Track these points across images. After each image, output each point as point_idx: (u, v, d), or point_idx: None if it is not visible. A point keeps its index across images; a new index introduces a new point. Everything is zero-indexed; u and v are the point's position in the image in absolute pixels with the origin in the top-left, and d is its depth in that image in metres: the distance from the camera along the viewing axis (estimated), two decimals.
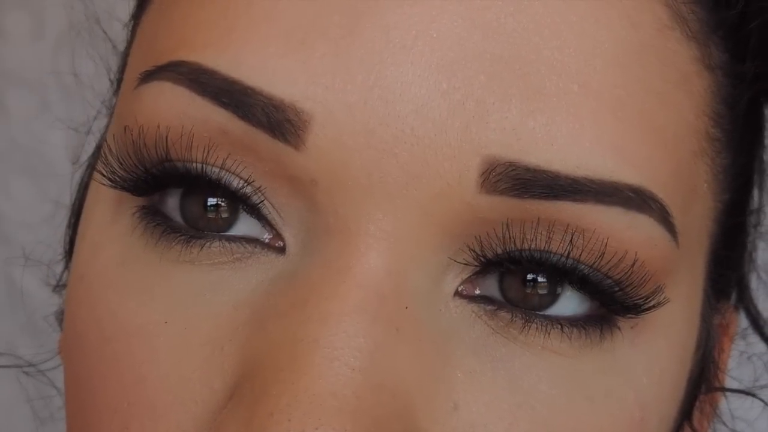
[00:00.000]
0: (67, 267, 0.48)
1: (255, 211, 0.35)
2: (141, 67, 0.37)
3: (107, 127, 0.45)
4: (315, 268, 0.34)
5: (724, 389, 0.46)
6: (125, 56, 0.46)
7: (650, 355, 0.37)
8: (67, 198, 0.61)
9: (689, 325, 0.39)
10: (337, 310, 0.33)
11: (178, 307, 0.35)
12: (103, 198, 0.38)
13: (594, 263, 0.34)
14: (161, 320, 0.35)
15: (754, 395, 0.49)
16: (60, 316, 0.50)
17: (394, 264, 0.34)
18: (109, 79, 0.51)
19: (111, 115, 0.46)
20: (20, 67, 0.70)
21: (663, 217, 0.35)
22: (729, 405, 0.49)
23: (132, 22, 0.45)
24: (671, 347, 0.38)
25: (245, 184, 0.35)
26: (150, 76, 0.36)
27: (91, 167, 0.46)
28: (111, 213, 0.38)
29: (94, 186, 0.40)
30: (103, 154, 0.37)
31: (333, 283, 0.33)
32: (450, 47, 0.34)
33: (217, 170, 0.35)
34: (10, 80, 0.72)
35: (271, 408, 0.32)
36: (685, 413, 0.41)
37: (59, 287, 0.50)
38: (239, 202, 0.35)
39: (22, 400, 0.76)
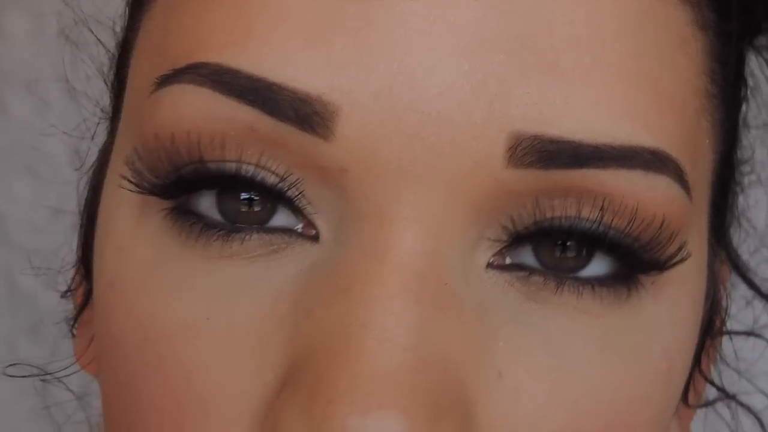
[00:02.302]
0: (85, 274, 0.47)
1: (289, 204, 0.36)
2: (154, 71, 0.37)
3: (111, 132, 0.45)
4: (352, 254, 0.35)
5: (729, 332, 0.48)
6: (120, 59, 0.46)
7: (671, 308, 0.38)
8: (67, 198, 0.61)
9: (700, 274, 0.40)
10: (382, 293, 0.34)
11: (219, 302, 0.36)
12: (125, 203, 0.39)
13: (625, 228, 0.36)
14: (203, 317, 0.36)
15: (758, 335, 0.52)
16: (71, 322, 0.49)
17: (430, 244, 0.35)
18: (104, 81, 0.51)
19: (113, 119, 0.46)
20: (20, 67, 0.70)
21: (678, 175, 0.37)
22: (733, 346, 0.51)
23: (127, 23, 0.45)
24: (688, 298, 0.39)
25: (280, 180, 0.36)
26: (168, 79, 0.36)
27: (97, 172, 0.46)
28: (136, 217, 0.38)
29: (111, 191, 0.40)
30: (129, 162, 0.37)
31: (374, 268, 0.34)
32: (467, 30, 0.35)
33: (252, 168, 0.36)
34: (10, 80, 0.72)
35: (330, 394, 0.32)
36: (697, 359, 0.43)
37: (69, 293, 0.50)
38: (275, 196, 0.36)
39: (21, 400, 0.76)
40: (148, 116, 0.37)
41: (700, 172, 0.39)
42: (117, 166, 0.39)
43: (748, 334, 0.52)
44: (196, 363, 0.35)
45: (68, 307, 0.57)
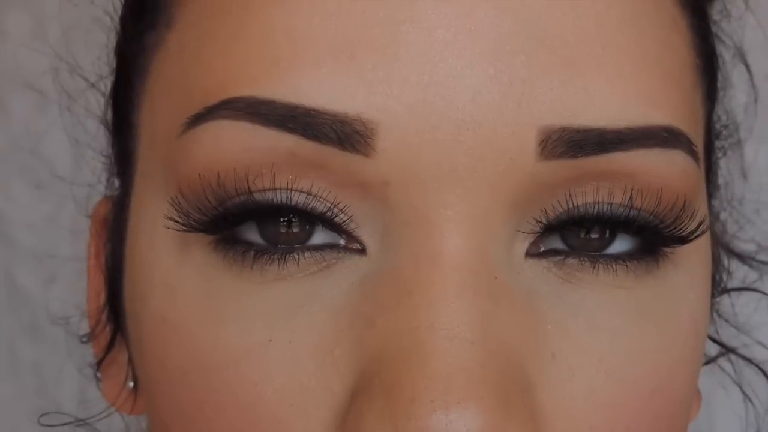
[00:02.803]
0: (116, 325, 0.48)
1: (333, 225, 0.37)
2: (180, 111, 0.38)
3: (124, 179, 0.45)
4: (404, 260, 0.36)
5: (729, 289, 0.52)
6: (120, 103, 0.46)
7: (690, 272, 0.40)
8: (67, 198, 0.61)
9: (707, 238, 0.42)
10: (442, 293, 0.35)
11: (278, 323, 0.37)
12: (164, 241, 0.39)
13: (654, 210, 0.38)
14: (265, 340, 0.37)
15: (755, 290, 0.55)
16: (97, 367, 0.49)
17: (476, 241, 0.36)
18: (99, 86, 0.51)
19: (122, 164, 0.46)
20: (20, 67, 0.70)
21: (690, 148, 0.39)
22: (731, 302, 0.55)
23: (121, 68, 0.46)
24: (702, 261, 0.41)
25: (330, 206, 0.37)
26: (201, 117, 0.37)
27: (116, 221, 0.46)
28: (179, 253, 0.39)
29: (146, 231, 0.41)
30: (174, 203, 0.38)
31: (430, 270, 0.36)
32: (488, 36, 0.36)
33: (303, 196, 0.37)
34: (10, 80, 0.72)
35: (411, 394, 0.34)
36: None
37: (89, 336, 0.51)
38: (317, 220, 0.37)
39: (22, 400, 0.76)
40: (185, 156, 0.38)
41: (700, 141, 0.42)
42: (150, 207, 0.40)
43: (744, 289, 0.55)
44: (264, 383, 0.36)
45: (68, 307, 0.57)
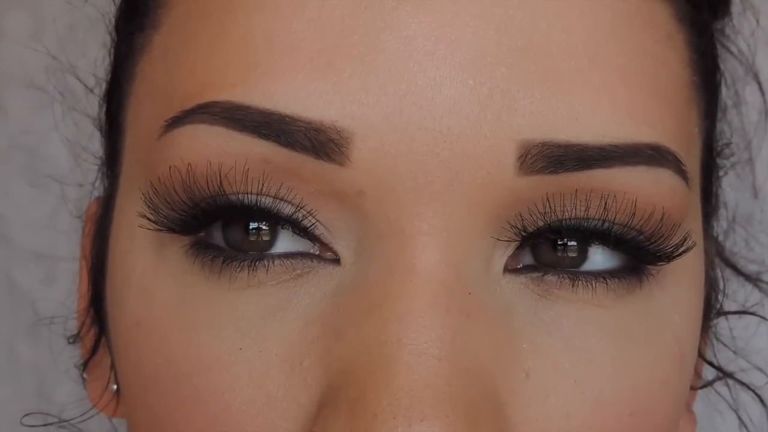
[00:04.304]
0: (96, 319, 0.48)
1: (305, 233, 0.37)
2: (160, 114, 0.38)
3: (111, 179, 0.45)
4: (377, 272, 0.36)
5: (725, 312, 0.50)
6: (111, 106, 0.46)
7: (677, 294, 0.39)
8: (66, 198, 0.60)
9: (700, 259, 0.41)
10: (412, 307, 0.35)
11: (249, 332, 0.36)
12: (141, 244, 0.39)
13: (627, 222, 0.37)
14: (236, 347, 0.36)
15: (753, 314, 0.54)
16: (82, 367, 0.50)
17: (451, 256, 0.35)
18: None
19: (110, 166, 0.46)
20: (20, 67, 0.70)
21: (678, 167, 0.38)
22: (729, 325, 0.54)
23: (114, 71, 0.46)
24: (691, 283, 0.40)
25: (297, 209, 0.36)
26: (179, 121, 0.37)
27: (102, 220, 0.46)
28: (154, 256, 0.39)
29: (124, 235, 0.41)
30: (146, 199, 0.38)
31: (401, 284, 0.35)
32: (469, 46, 0.35)
33: (270, 200, 0.36)
34: (10, 80, 0.72)
35: (373, 410, 0.33)
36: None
37: (76, 338, 0.50)
38: (289, 225, 0.37)
39: (22, 401, 0.75)
40: (161, 157, 0.37)
41: (693, 160, 0.41)
42: (129, 208, 0.40)
43: (743, 313, 0.54)
44: (232, 392, 0.36)
45: (67, 307, 0.57)
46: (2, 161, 0.73)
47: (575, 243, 0.37)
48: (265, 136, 0.35)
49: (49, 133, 0.64)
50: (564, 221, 0.37)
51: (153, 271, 0.39)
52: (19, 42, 0.70)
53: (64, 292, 0.61)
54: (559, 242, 0.37)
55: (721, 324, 0.52)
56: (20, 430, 0.76)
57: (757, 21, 0.52)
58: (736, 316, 0.53)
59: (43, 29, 0.70)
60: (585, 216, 0.36)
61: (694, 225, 0.40)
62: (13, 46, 0.71)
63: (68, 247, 0.59)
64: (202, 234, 0.38)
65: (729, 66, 0.50)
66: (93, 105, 0.54)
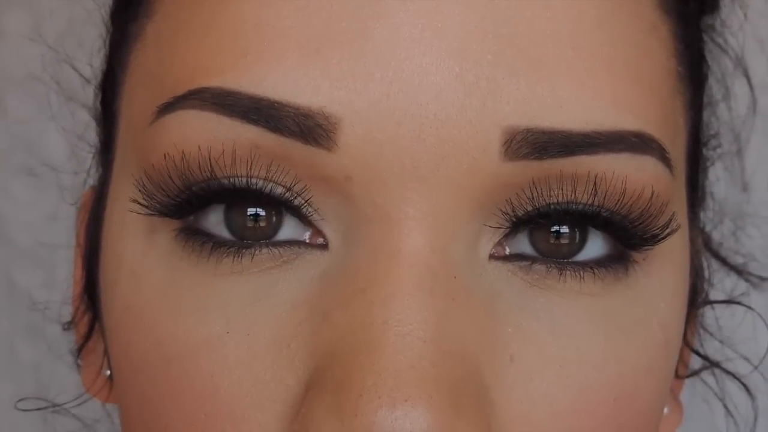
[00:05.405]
0: (90, 304, 0.48)
1: (297, 213, 0.38)
2: (152, 100, 0.39)
3: (105, 165, 0.46)
4: (364, 256, 0.36)
5: (711, 302, 0.51)
6: (106, 93, 0.47)
7: (663, 281, 0.40)
8: (66, 198, 0.60)
9: (685, 247, 0.42)
10: (398, 290, 0.35)
11: (236, 316, 0.37)
12: (133, 228, 0.40)
13: (617, 203, 0.37)
14: (223, 331, 0.37)
15: (739, 303, 0.55)
16: (77, 353, 0.50)
17: (436, 240, 0.36)
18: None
19: (104, 152, 0.47)
20: (20, 67, 0.70)
21: (662, 155, 0.38)
22: (715, 315, 0.54)
23: (109, 59, 0.47)
24: (676, 270, 0.41)
25: (287, 190, 0.37)
26: (170, 107, 0.38)
27: (95, 205, 0.47)
28: (145, 241, 0.40)
29: (117, 219, 0.41)
30: (139, 185, 0.38)
31: (387, 267, 0.36)
32: (455, 34, 0.36)
33: (260, 182, 0.37)
34: (10, 80, 0.72)
35: (359, 390, 0.34)
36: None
37: (71, 324, 0.51)
38: (282, 207, 0.38)
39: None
40: (153, 143, 0.38)
41: (678, 149, 0.41)
42: (121, 194, 0.41)
43: (729, 302, 0.55)
44: (220, 375, 0.37)
45: (67, 307, 0.57)
46: (3, 161, 0.74)
47: (568, 230, 0.38)
48: (254, 122, 0.36)
49: (48, 132, 0.65)
50: (552, 205, 0.37)
51: (143, 255, 0.39)
52: (19, 41, 0.70)
53: (63, 292, 0.61)
54: (552, 230, 0.38)
55: (708, 314, 0.52)
56: (20, 430, 0.77)
57: (745, 15, 0.53)
58: (723, 306, 0.53)
59: (41, 27, 0.70)
60: (573, 199, 0.37)
61: (679, 213, 0.40)
62: (13, 46, 0.71)
63: (68, 247, 0.59)
64: (192, 218, 0.38)
65: (718, 60, 0.50)
66: (92, 101, 0.55)
